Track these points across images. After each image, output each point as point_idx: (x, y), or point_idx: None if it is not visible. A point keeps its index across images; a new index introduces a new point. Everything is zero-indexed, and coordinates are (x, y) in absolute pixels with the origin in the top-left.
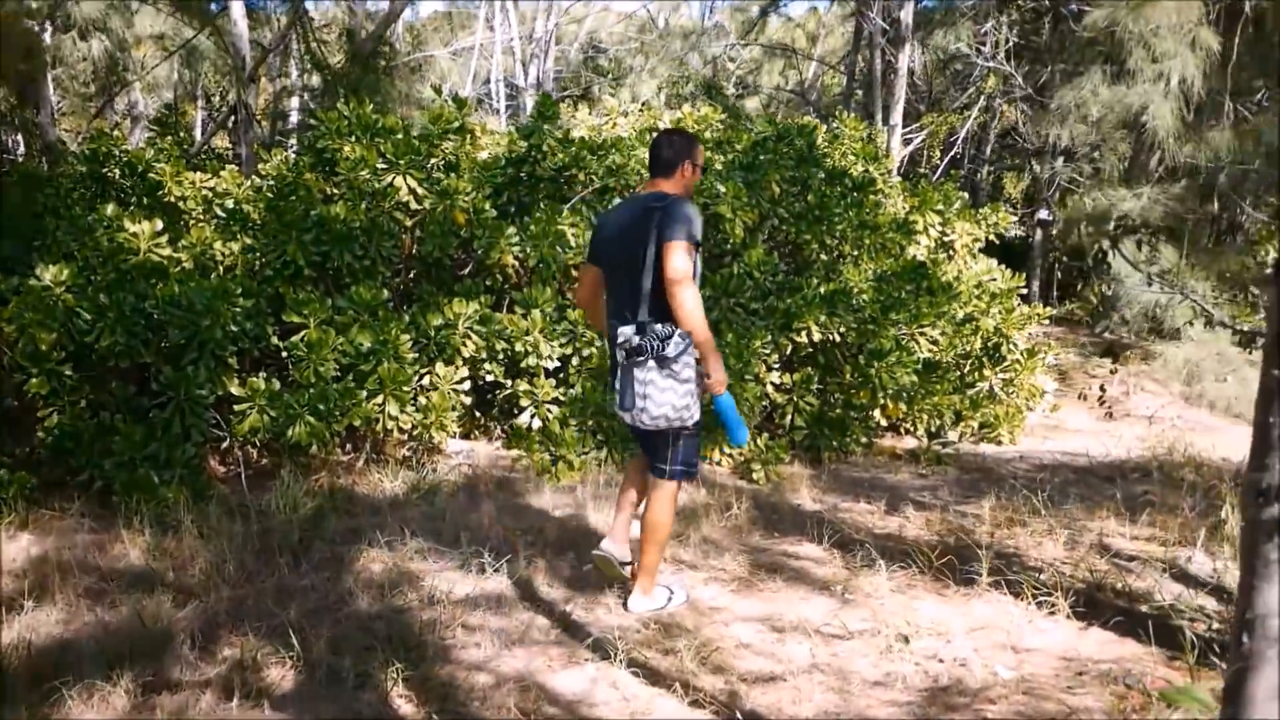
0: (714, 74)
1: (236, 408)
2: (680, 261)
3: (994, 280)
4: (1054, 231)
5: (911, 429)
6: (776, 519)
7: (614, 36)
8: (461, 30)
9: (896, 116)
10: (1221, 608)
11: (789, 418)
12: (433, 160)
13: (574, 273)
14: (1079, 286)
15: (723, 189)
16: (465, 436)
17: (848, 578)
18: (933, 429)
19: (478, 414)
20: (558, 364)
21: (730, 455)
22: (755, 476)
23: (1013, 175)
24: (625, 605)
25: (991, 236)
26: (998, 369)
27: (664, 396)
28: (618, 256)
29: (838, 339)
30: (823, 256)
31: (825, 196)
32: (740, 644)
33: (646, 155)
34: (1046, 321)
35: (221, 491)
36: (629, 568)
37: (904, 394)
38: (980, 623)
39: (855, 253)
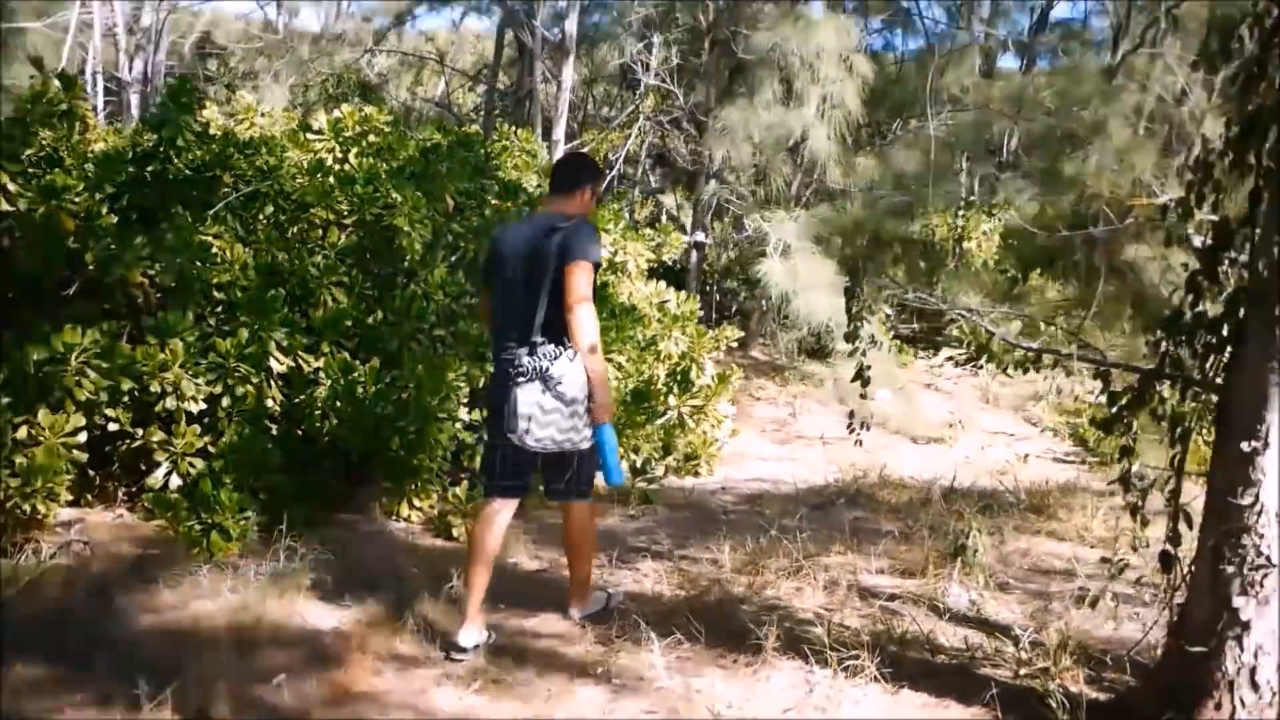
0: (339, 83)
1: None
2: (582, 283)
3: (668, 302)
4: (709, 253)
5: None
6: (499, 586)
7: (232, 35)
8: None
9: (559, 132)
10: (1015, 649)
11: (477, 461)
12: (28, 151)
13: (218, 294)
14: (732, 309)
15: (398, 197)
16: (76, 503)
17: (607, 656)
18: (638, 464)
19: (92, 472)
20: (204, 406)
21: (420, 510)
22: (455, 533)
23: (675, 195)
24: (568, 613)
25: (665, 258)
26: (685, 396)
27: (548, 418)
28: (514, 275)
29: None
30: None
31: (505, 212)
32: None
33: (548, 177)
34: (734, 345)
35: None
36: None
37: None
38: (787, 700)
39: None
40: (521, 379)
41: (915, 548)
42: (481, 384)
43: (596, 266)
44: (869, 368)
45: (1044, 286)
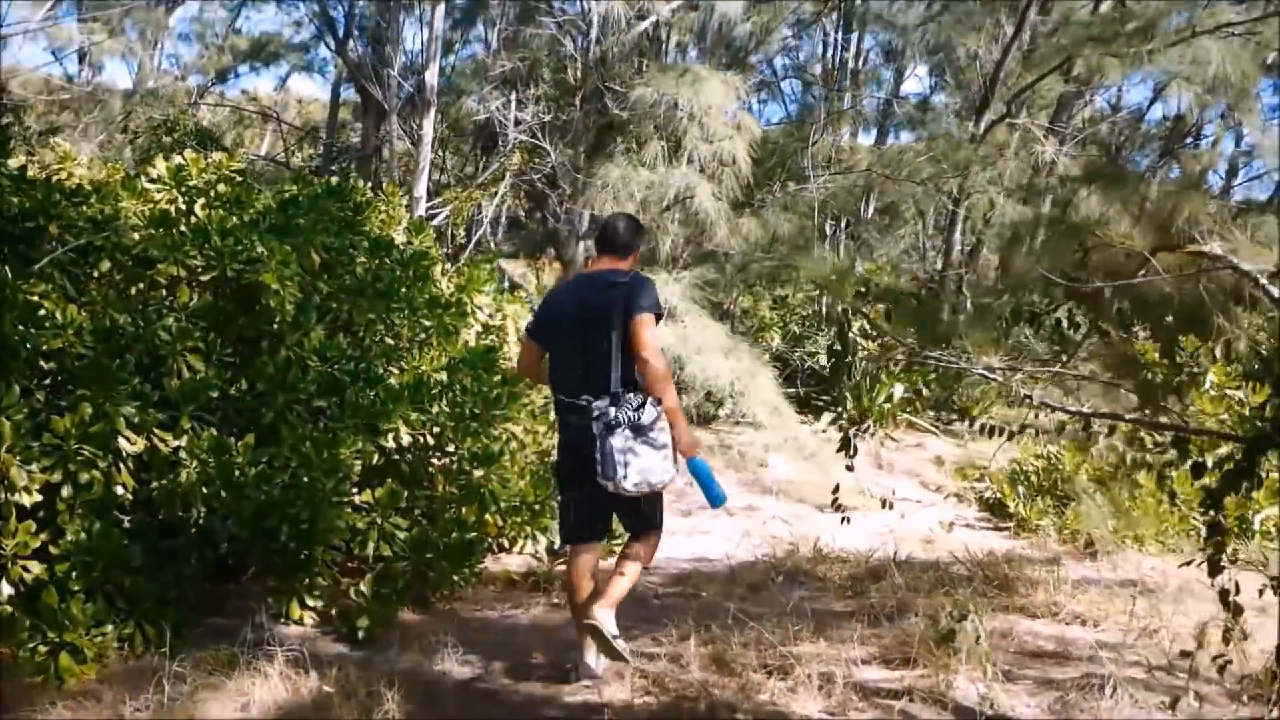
0: (171, 130)
1: None
2: (653, 334)
3: None
4: None
5: (516, 545)
6: (435, 707)
7: (31, 86)
8: None
9: (420, 189)
10: None
11: (372, 546)
12: None
13: (48, 363)
14: None
15: (264, 250)
16: None
17: None
18: (555, 546)
19: None
20: (39, 498)
21: (314, 610)
22: (360, 634)
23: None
24: (592, 614)
25: None
26: None
27: (644, 462)
28: (581, 332)
29: (431, 441)
30: (388, 340)
31: (381, 269)
32: None
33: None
34: None
35: None
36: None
37: (521, 505)
38: None
39: (422, 336)
40: (614, 428)
41: (893, 632)
42: (376, 460)
43: (659, 317)
44: (857, 434)
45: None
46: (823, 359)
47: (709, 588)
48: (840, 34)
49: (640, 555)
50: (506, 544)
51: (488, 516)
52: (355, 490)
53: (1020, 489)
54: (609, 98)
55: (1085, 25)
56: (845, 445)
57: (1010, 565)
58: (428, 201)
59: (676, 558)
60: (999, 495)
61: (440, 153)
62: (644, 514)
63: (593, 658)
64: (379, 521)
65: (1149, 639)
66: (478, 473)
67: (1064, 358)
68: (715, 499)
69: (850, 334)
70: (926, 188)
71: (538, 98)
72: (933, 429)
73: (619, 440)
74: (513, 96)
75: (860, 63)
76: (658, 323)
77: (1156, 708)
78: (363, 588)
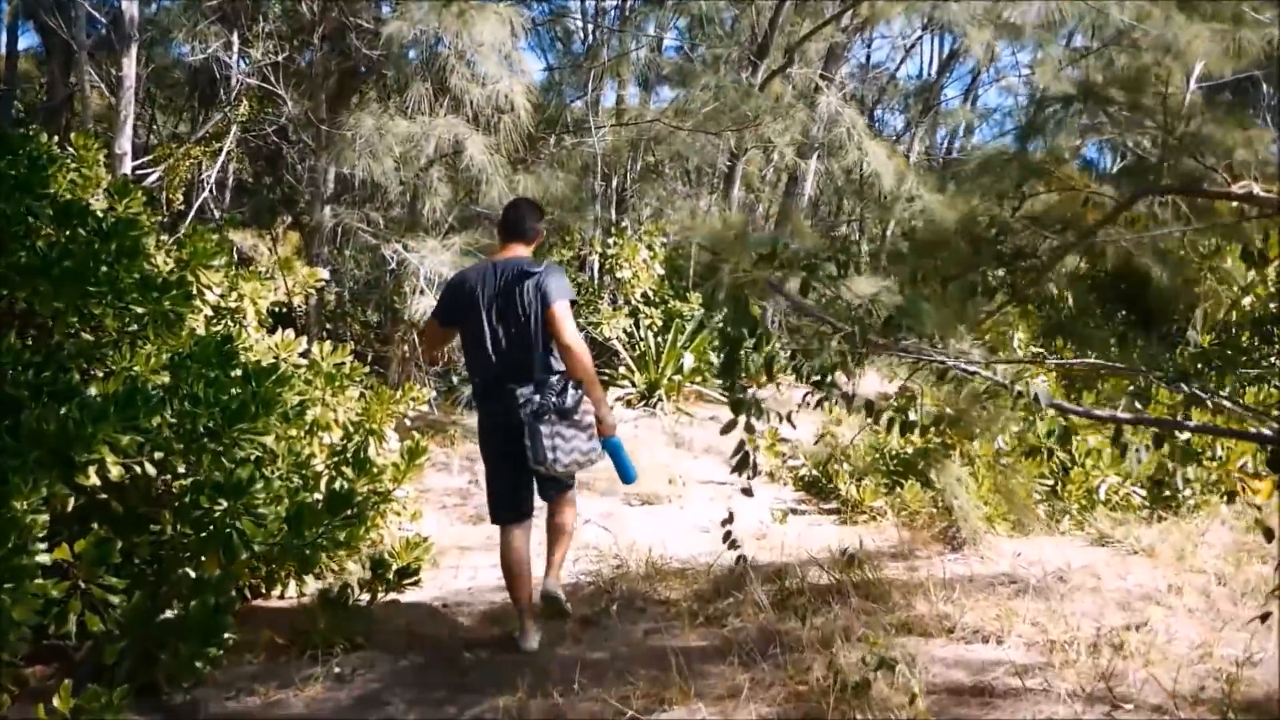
0: None
1: None
2: (571, 322)
3: (305, 354)
4: (338, 292)
5: (276, 589)
6: None
7: None
8: None
9: (124, 144)
10: None
11: (74, 621)
12: None
13: None
14: (367, 358)
15: None
16: None
17: None
18: (332, 588)
19: None
20: None
21: None
22: None
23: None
24: (550, 589)
25: (296, 301)
26: (363, 478)
27: (572, 444)
28: (496, 319)
29: (153, 472)
30: (85, 336)
31: (73, 242)
32: None
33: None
34: (425, 407)
35: None
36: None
37: (284, 547)
38: None
39: (133, 327)
40: (541, 415)
41: (778, 679)
42: (76, 502)
43: (574, 304)
44: (756, 448)
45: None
46: (607, 331)
47: (547, 627)
48: None
49: (567, 516)
50: (263, 587)
51: (258, 564)
52: (44, 546)
53: (844, 466)
54: (355, 35)
55: None
56: (741, 464)
57: (869, 566)
58: (135, 160)
59: (483, 586)
60: (816, 474)
61: (149, 108)
62: (562, 480)
63: (533, 637)
64: (83, 585)
65: (1065, 653)
66: (220, 507)
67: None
68: (629, 476)
69: (754, 311)
70: (724, 139)
71: (267, 34)
72: (722, 398)
73: (546, 426)
74: (235, 36)
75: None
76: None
77: None
78: (79, 703)
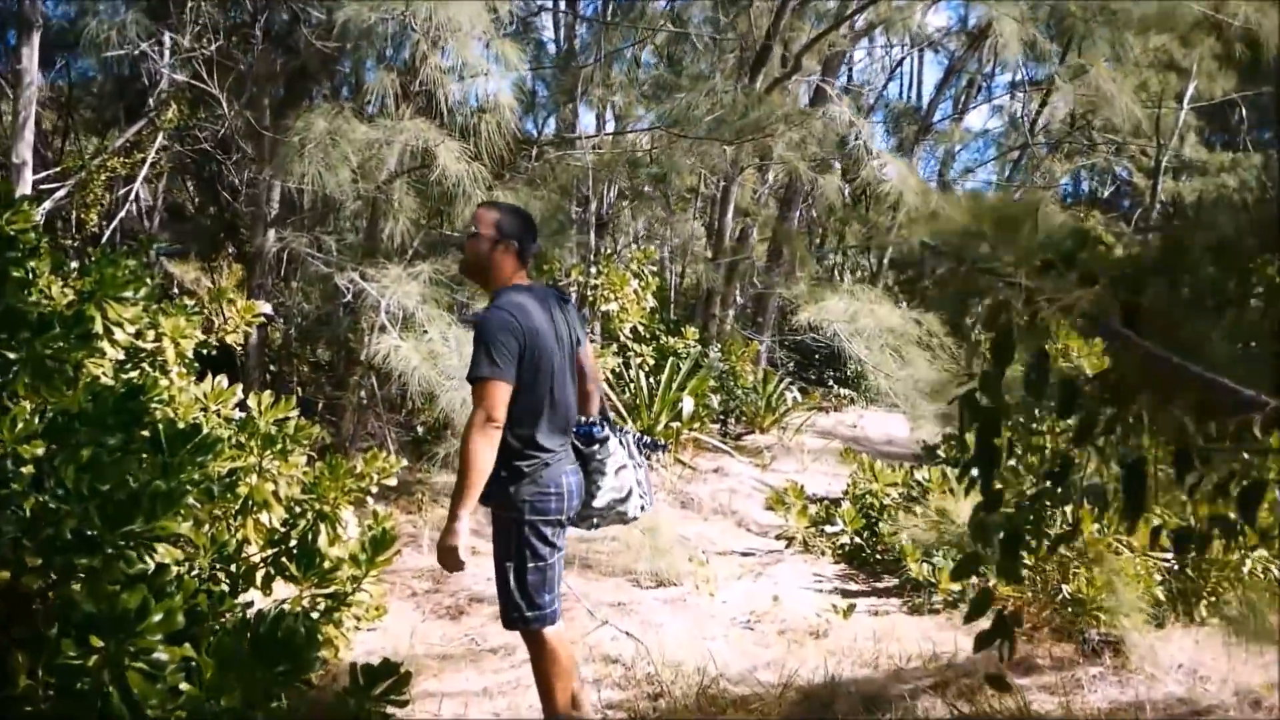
0: None
1: None
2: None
3: (241, 405)
4: (285, 329)
5: None
6: None
7: None
8: None
9: (23, 152)
10: None
11: None
12: None
13: None
14: (317, 406)
15: None
16: None
17: None
18: None
19: None
20: None
21: None
22: None
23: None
24: None
25: (231, 340)
26: (310, 579)
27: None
28: (561, 363)
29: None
30: None
31: None
32: None
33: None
34: (392, 480)
35: None
36: None
37: (189, 714)
38: None
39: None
40: (605, 468)
41: None
42: None
43: None
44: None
45: None
46: (630, 371)
47: None
48: None
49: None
50: None
51: None
52: None
53: (905, 538)
54: (304, 26)
55: None
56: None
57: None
58: (38, 172)
59: (494, 711)
60: (859, 540)
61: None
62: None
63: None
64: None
65: None
66: (94, 652)
67: None
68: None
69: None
70: (729, 151)
71: (200, 28)
72: (725, 447)
73: (609, 479)
74: (164, 31)
75: None
76: None
77: None
78: None
